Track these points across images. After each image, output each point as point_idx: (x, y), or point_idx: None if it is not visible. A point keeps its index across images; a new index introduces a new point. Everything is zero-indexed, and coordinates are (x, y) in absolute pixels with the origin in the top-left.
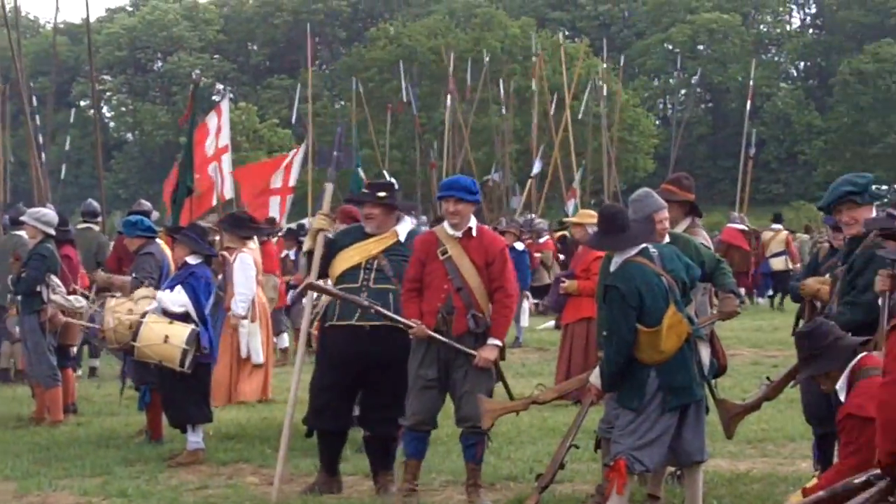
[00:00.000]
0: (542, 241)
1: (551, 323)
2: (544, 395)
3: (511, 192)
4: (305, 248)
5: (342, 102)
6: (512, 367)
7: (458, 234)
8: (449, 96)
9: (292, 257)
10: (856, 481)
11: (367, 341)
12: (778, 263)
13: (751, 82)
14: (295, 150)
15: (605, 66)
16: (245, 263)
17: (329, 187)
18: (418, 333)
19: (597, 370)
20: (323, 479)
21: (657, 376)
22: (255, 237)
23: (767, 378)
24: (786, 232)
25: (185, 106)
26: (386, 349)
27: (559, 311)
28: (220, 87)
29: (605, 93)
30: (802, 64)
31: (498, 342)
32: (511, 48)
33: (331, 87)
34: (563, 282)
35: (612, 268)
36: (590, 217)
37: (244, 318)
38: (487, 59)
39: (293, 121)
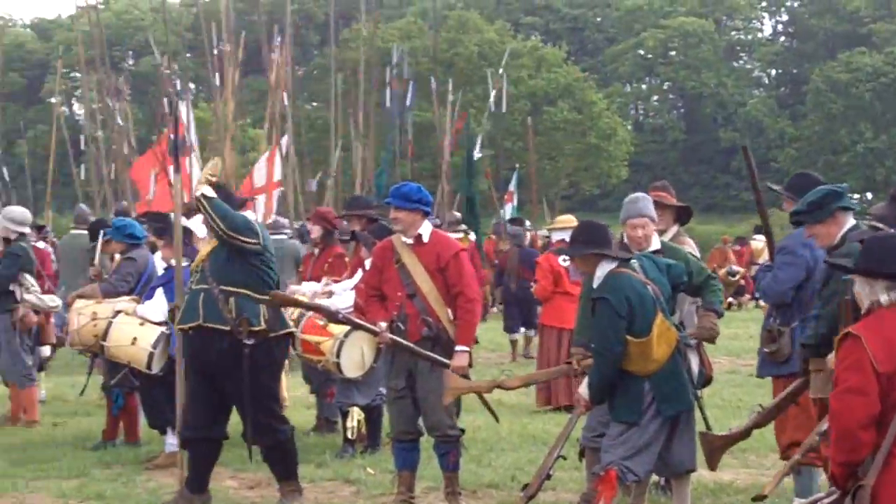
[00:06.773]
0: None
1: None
2: (510, 381)
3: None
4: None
5: (314, 104)
6: (488, 367)
7: (409, 240)
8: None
9: None
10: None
11: (196, 344)
12: None
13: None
14: (273, 146)
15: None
16: None
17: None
18: (382, 339)
19: (585, 381)
20: (185, 496)
21: (651, 387)
22: None
23: (760, 405)
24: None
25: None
26: (213, 353)
27: None
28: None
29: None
30: (774, 71)
31: (465, 348)
32: (487, 52)
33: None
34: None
35: (595, 282)
36: (568, 222)
37: None
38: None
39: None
